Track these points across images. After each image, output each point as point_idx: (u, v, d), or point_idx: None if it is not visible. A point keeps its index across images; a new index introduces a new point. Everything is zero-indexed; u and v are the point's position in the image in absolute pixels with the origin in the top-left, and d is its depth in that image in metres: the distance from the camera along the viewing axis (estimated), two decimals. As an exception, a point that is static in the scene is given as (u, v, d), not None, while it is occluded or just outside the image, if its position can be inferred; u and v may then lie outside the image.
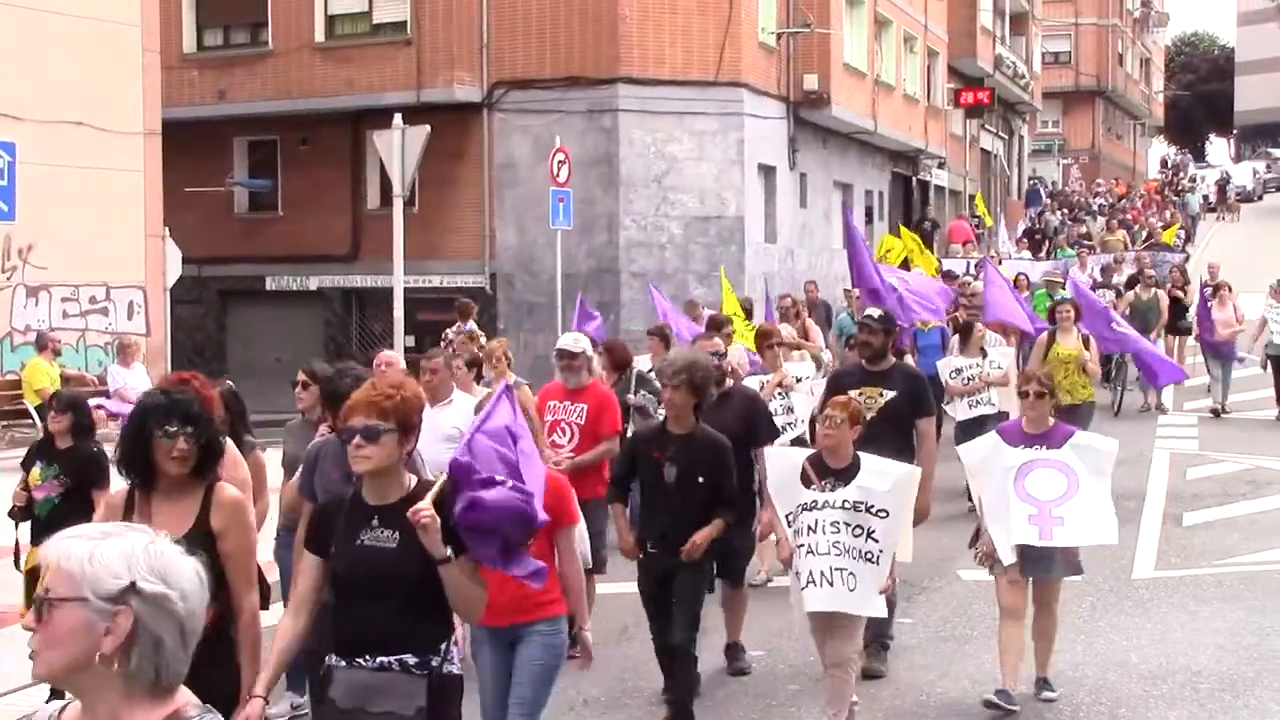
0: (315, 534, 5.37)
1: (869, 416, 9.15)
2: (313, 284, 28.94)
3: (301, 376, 9.15)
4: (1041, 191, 55.08)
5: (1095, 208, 49.21)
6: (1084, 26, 65.65)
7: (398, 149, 20.03)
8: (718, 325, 14.60)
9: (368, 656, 5.06)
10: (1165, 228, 41.42)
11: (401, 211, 20.16)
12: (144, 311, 20.40)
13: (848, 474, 7.82)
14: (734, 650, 9.67)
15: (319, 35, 28.30)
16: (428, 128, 20.37)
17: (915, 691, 9.10)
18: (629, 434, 10.33)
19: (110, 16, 21.33)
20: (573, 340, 10.54)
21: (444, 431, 8.94)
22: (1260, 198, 67.49)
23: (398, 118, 20.21)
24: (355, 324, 28.95)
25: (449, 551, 4.99)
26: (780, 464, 8.16)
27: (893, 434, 9.25)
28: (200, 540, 5.22)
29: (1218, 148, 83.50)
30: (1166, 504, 14.96)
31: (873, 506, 7.68)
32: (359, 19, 28.27)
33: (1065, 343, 14.95)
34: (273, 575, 8.65)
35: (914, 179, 41.72)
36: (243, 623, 5.51)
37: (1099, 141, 66.81)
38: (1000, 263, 28.87)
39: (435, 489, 5.05)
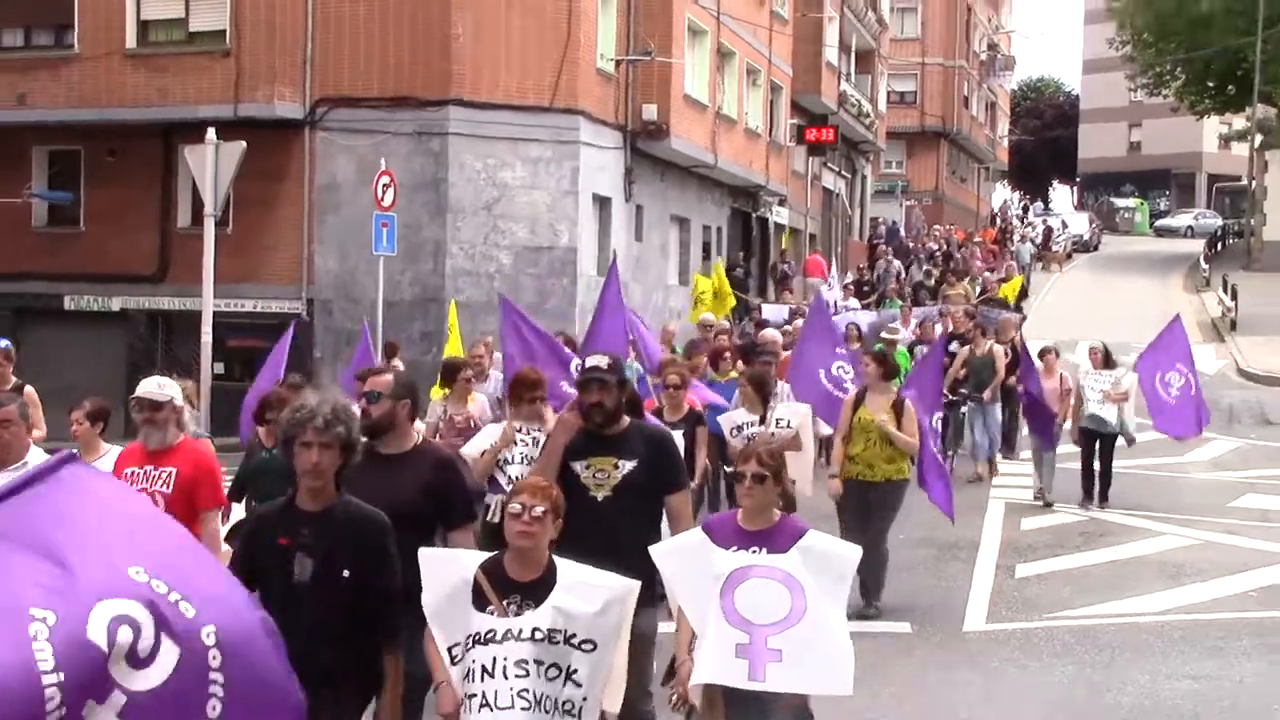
0: None
1: (600, 496, 7.31)
2: (116, 304, 27.75)
3: None
4: (901, 231, 54.35)
5: (927, 254, 47.87)
6: (930, 67, 66.18)
7: (210, 165, 19.64)
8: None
9: None
10: (1002, 281, 40.28)
11: (213, 231, 19.64)
12: (-75, 329, 18.98)
13: (539, 590, 5.71)
14: None
15: (130, 41, 27.10)
16: (243, 144, 19.93)
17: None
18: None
19: (-108, 10, 19.91)
20: (156, 386, 8.23)
21: None
22: (1096, 247, 68.55)
23: (211, 132, 19.68)
24: (161, 348, 27.71)
25: None
26: (440, 572, 5.80)
27: (633, 519, 7.13)
28: None
29: (1060, 194, 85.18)
30: (1000, 554, 14.64)
31: (574, 637, 5.60)
32: (174, 25, 27.18)
33: (872, 404, 12.21)
34: None
35: (754, 215, 41.40)
36: None
37: (943, 184, 67.39)
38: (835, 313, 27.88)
39: None
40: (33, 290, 27.90)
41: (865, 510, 12.00)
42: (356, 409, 6.68)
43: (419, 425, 11.58)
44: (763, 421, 12.16)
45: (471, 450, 10.10)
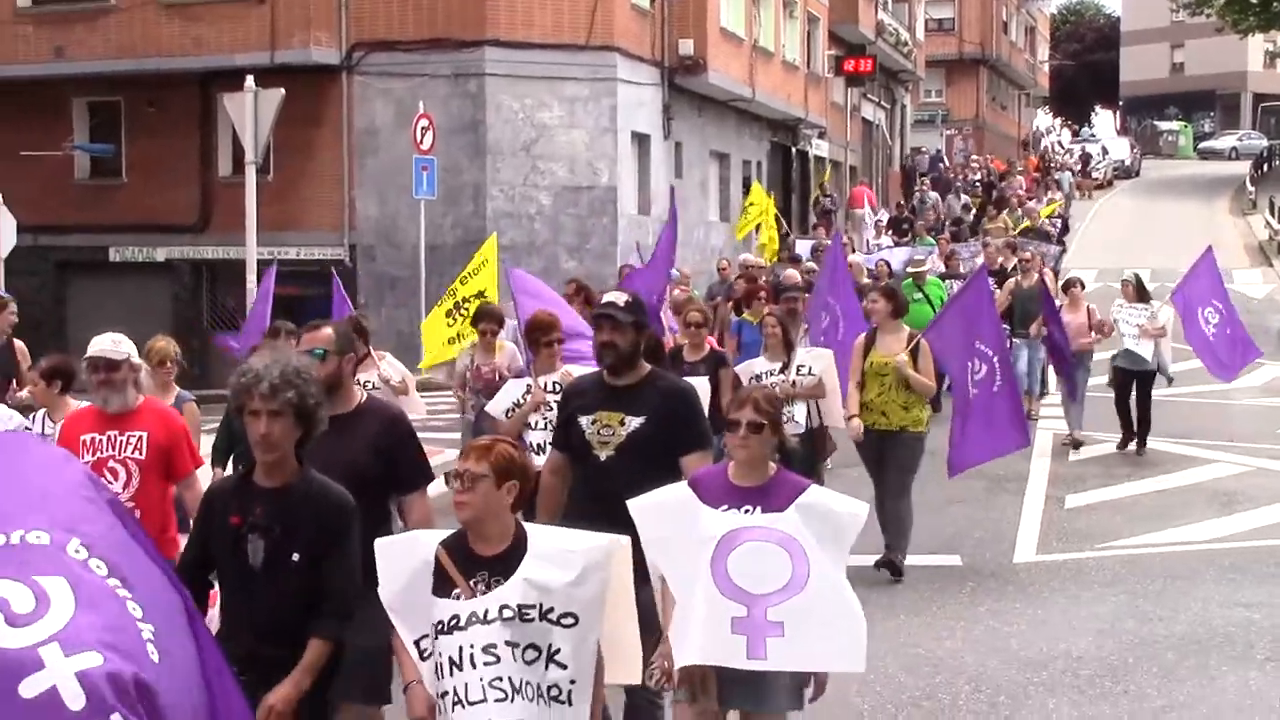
0: None
1: (603, 456, 6.60)
2: (160, 255, 27.87)
3: None
4: (943, 161, 53.21)
5: (968, 185, 46.40)
6: (968, -8, 65.52)
7: (250, 113, 19.56)
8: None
9: None
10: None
11: (254, 179, 19.61)
12: (-27, 285, 19.15)
13: (508, 563, 4.88)
14: None
15: (165, -10, 27.10)
16: (282, 91, 19.90)
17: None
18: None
19: (-70, -33, 19.94)
20: (110, 343, 7.38)
21: None
22: (1138, 173, 67.81)
23: (250, 80, 19.60)
24: (206, 298, 27.87)
25: None
26: (397, 560, 4.97)
27: (640, 483, 5.85)
28: None
29: (1103, 119, 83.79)
30: (1049, 486, 14.61)
31: (551, 611, 4.77)
32: (207, -26, 27.10)
33: (883, 346, 11.24)
34: None
35: (793, 149, 41.14)
36: None
37: (983, 112, 66.67)
38: (853, 250, 26.17)
39: None
40: (77, 243, 28.03)
41: (880, 462, 11.24)
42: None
43: (370, 379, 11.03)
44: (785, 369, 11.39)
45: (495, 408, 9.72)
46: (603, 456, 6.62)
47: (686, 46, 29.97)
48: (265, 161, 22.28)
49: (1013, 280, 19.04)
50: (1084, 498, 14.04)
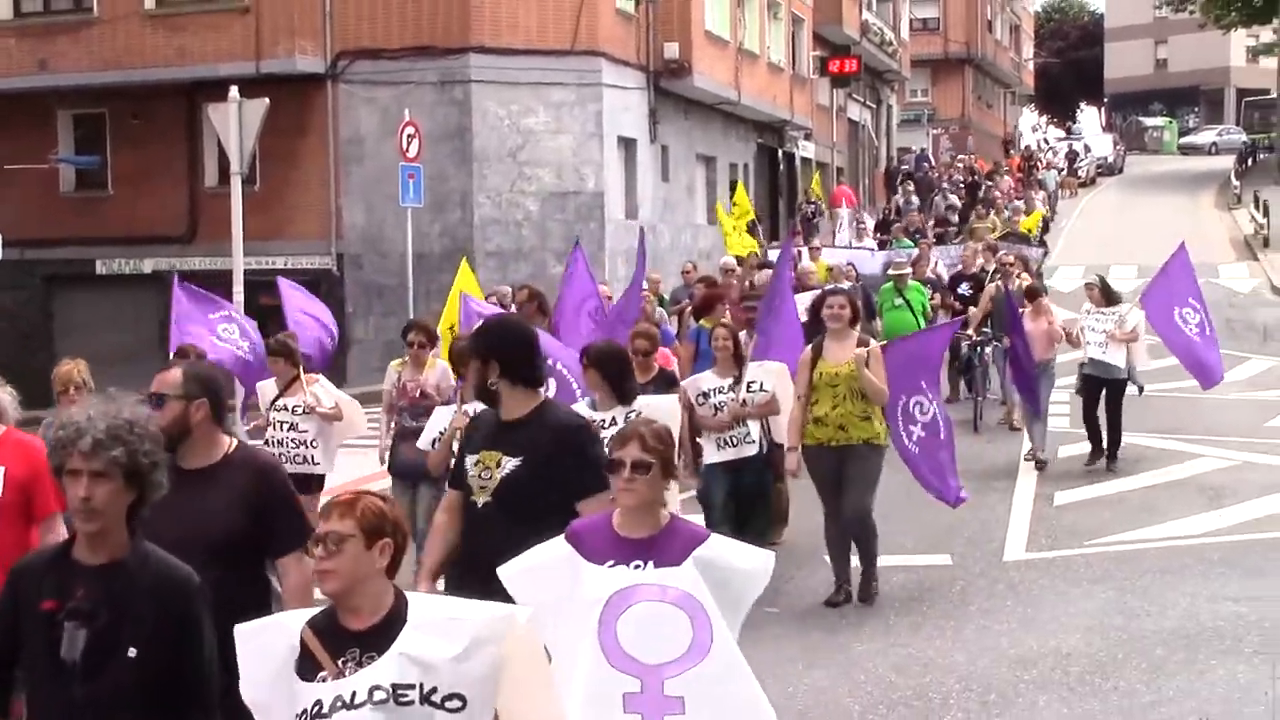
0: None
1: (480, 502, 5.94)
2: (147, 267, 27.72)
3: None
4: (930, 160, 52.64)
5: (953, 186, 45.72)
6: (952, -9, 65.59)
7: (235, 123, 19.45)
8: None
9: None
10: (1028, 213, 37.63)
11: (240, 190, 19.56)
12: (-42, 299, 19.16)
13: (382, 637, 4.09)
14: None
15: (148, 2, 27.00)
16: (266, 100, 19.82)
17: (782, 682, 8.46)
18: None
19: (-89, -18, 19.91)
20: None
21: None
22: (1121, 169, 67.91)
23: (234, 90, 19.54)
24: (194, 309, 27.61)
25: None
26: (259, 649, 4.13)
27: (517, 535, 5.23)
28: None
29: (1089, 116, 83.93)
30: (1037, 484, 14.59)
31: (433, 692, 3.98)
32: (191, -15, 27.05)
33: (831, 355, 10.25)
34: None
35: (780, 151, 41.16)
36: None
37: (969, 111, 66.76)
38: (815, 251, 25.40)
39: None
40: (64, 256, 27.95)
41: (839, 481, 10.30)
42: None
43: (296, 403, 10.52)
44: (735, 385, 10.59)
45: (423, 442, 9.09)
46: (480, 503, 5.95)
47: (671, 50, 30.02)
48: (251, 171, 22.16)
49: (993, 285, 18.91)
50: (1072, 494, 14.02)
